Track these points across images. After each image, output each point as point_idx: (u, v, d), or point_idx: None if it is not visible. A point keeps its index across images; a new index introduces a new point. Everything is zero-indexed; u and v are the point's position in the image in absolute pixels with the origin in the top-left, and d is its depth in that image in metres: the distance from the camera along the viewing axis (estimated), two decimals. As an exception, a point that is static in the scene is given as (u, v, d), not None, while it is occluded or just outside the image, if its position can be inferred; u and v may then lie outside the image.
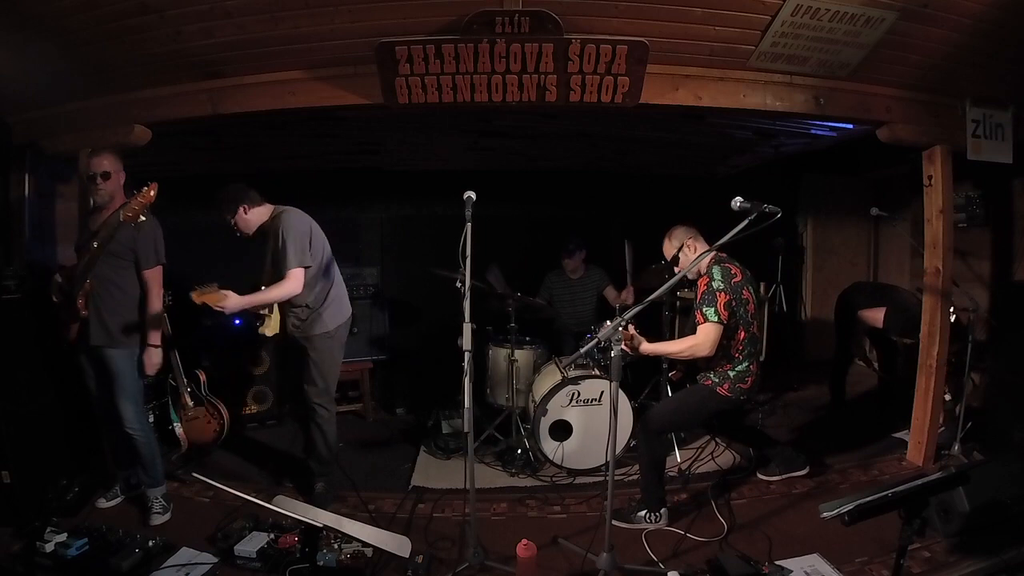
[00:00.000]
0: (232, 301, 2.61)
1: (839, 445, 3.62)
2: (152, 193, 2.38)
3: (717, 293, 2.54)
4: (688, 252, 2.75)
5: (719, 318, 2.52)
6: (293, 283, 2.74)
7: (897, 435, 3.74)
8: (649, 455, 2.70)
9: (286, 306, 2.92)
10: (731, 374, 2.65)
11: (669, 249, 2.80)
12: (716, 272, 2.59)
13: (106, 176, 2.58)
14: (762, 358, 4.15)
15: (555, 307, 4.39)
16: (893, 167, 5.01)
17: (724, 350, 2.62)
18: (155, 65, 2.79)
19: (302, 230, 2.81)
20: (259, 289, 2.80)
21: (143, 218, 2.41)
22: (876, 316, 3.88)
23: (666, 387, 3.67)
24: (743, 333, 2.64)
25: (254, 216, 2.89)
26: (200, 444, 3.48)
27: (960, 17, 2.59)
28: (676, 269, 2.78)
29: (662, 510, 2.70)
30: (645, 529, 2.64)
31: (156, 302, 2.67)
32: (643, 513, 2.68)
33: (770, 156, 4.93)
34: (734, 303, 2.57)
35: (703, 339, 2.54)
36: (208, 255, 4.83)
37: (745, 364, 2.66)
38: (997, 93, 3.18)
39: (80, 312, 2.54)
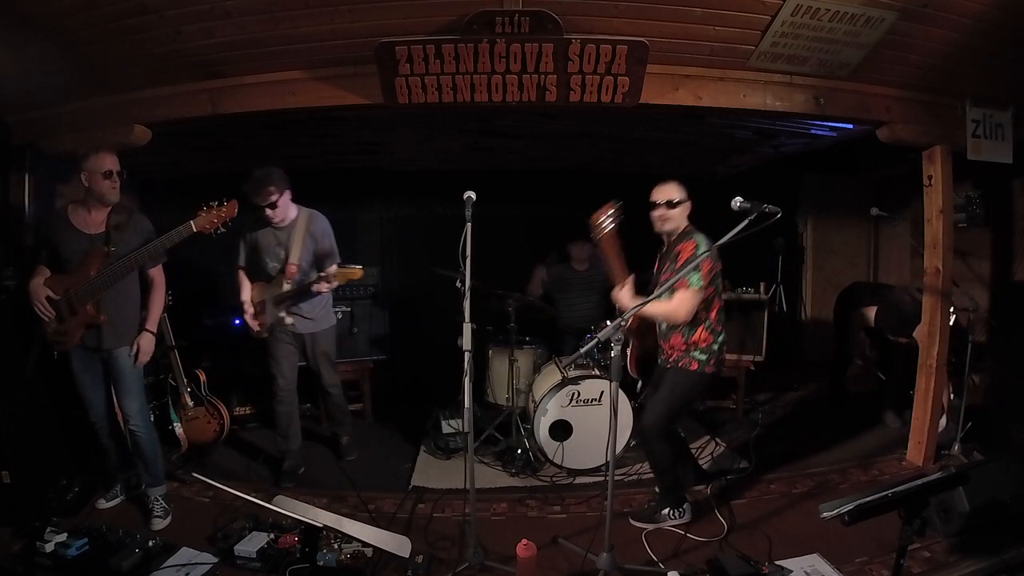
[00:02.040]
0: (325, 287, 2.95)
1: (839, 445, 3.63)
2: (232, 210, 2.44)
3: (703, 259, 2.40)
4: (682, 213, 2.62)
5: (701, 285, 2.43)
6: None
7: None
8: (660, 458, 2.69)
9: (292, 304, 3.07)
10: (715, 348, 2.58)
11: (672, 193, 2.63)
12: (700, 239, 2.50)
13: (121, 175, 2.56)
14: (761, 358, 4.21)
15: (558, 301, 4.37)
16: (893, 167, 5.01)
17: (706, 324, 2.55)
18: (155, 65, 2.79)
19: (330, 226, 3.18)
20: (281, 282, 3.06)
21: (222, 230, 2.45)
22: (869, 315, 3.89)
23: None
24: (719, 303, 2.59)
25: (291, 206, 3.07)
26: (200, 444, 3.48)
27: (960, 17, 2.59)
28: (658, 214, 2.64)
29: (685, 505, 2.70)
30: (673, 523, 2.67)
31: (161, 296, 2.71)
32: (666, 511, 2.68)
33: (770, 156, 4.93)
34: (715, 271, 2.52)
35: (681, 305, 2.44)
36: (207, 255, 4.84)
37: (723, 335, 2.62)
38: (997, 93, 3.18)
39: (98, 319, 2.50)
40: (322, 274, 2.88)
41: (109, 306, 2.53)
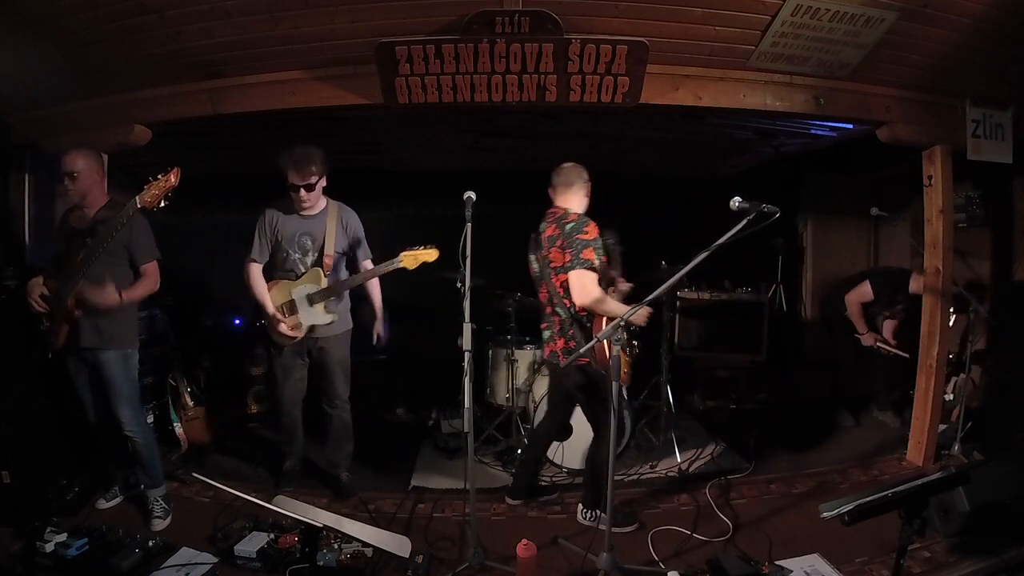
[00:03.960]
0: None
1: (839, 445, 3.63)
2: (174, 179, 2.31)
3: None
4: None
5: None
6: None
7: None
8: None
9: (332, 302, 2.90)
10: None
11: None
12: None
13: (73, 177, 2.49)
14: (762, 358, 4.20)
15: None
16: (893, 167, 5.01)
17: None
18: (155, 65, 2.79)
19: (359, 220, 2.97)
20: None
21: (164, 203, 2.34)
22: (863, 291, 3.86)
23: (666, 387, 3.67)
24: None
25: (322, 195, 2.88)
26: (200, 444, 3.48)
27: (960, 17, 2.59)
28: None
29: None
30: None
31: (145, 287, 2.56)
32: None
33: (770, 156, 4.92)
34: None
35: None
36: (207, 255, 4.84)
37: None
38: (997, 93, 3.18)
39: (73, 314, 2.46)
40: (393, 260, 2.72)
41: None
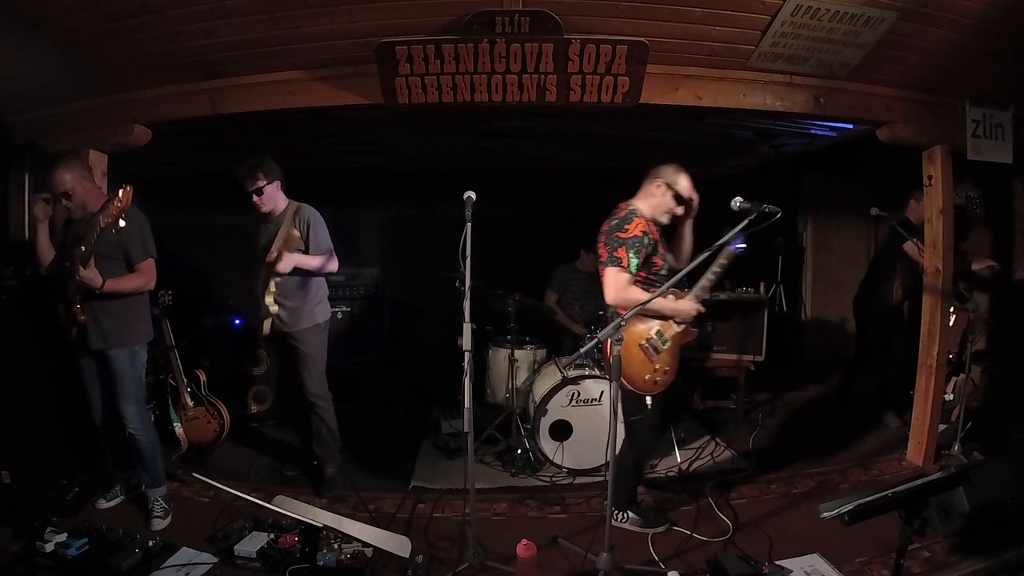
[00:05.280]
0: (285, 262, 2.80)
1: (839, 445, 3.63)
2: (127, 197, 2.35)
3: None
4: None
5: None
6: (336, 262, 3.00)
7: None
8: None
9: (278, 301, 2.92)
10: None
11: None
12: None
13: (67, 196, 2.52)
14: (761, 358, 4.20)
15: (567, 302, 4.36)
16: (893, 167, 5.01)
17: None
18: (155, 65, 2.79)
19: (323, 222, 3.01)
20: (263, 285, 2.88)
21: (123, 223, 2.38)
22: (909, 247, 3.75)
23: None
24: None
25: (280, 197, 2.99)
26: (200, 444, 3.48)
27: (960, 17, 2.59)
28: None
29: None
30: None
31: (136, 280, 2.59)
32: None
33: (770, 156, 4.93)
34: None
35: None
36: (207, 255, 4.85)
37: None
38: (997, 93, 3.18)
39: (79, 317, 2.51)
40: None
41: (93, 305, 2.53)
